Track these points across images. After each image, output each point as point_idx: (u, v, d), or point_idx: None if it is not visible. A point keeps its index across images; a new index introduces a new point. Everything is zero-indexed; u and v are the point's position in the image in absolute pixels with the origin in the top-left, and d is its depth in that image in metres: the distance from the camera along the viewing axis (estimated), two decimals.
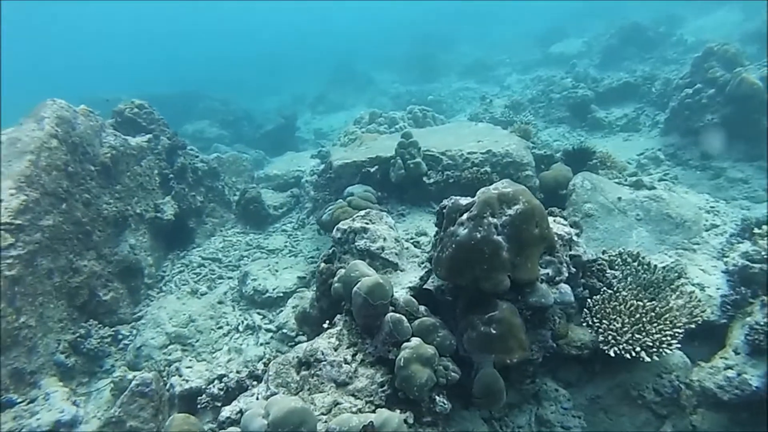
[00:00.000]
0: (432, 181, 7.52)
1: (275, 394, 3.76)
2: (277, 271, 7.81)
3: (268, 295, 7.17)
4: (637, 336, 3.68)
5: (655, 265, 4.55)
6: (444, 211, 4.18)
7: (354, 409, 3.58)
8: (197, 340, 6.50)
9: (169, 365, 5.90)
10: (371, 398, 3.70)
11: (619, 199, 5.98)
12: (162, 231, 8.64)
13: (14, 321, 5.36)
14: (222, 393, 4.51)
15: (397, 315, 3.83)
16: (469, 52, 26.90)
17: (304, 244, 9.03)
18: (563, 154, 8.04)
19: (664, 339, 3.63)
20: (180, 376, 5.39)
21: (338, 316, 4.32)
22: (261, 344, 6.40)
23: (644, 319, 3.76)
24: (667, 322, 3.72)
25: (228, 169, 12.13)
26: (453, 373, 3.77)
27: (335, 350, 3.92)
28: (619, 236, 5.66)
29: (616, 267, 4.59)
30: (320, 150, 13.92)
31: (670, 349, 3.64)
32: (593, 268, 4.51)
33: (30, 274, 5.63)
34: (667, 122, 10.45)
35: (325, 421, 3.41)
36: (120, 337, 6.67)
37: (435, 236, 4.65)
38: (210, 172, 10.40)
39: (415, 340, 3.77)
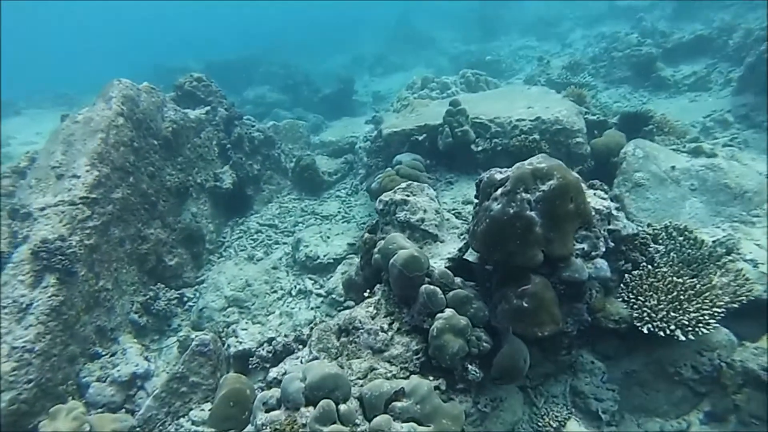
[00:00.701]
0: (480, 149, 7.46)
1: (317, 358, 4.05)
2: (328, 237, 8.11)
3: (319, 261, 7.50)
4: (673, 314, 3.62)
5: (702, 241, 4.37)
6: (480, 184, 4.21)
7: (389, 375, 3.81)
8: (253, 304, 6.97)
9: (227, 326, 6.40)
10: (406, 365, 3.90)
11: (673, 168, 5.71)
12: (221, 199, 9.14)
13: (95, 285, 5.97)
14: (270, 355, 4.88)
15: (432, 287, 3.96)
16: (533, 6, 25.56)
17: (357, 210, 9.25)
18: (618, 120, 7.68)
19: (701, 318, 3.56)
20: (236, 337, 5.86)
21: (378, 286, 4.51)
22: (312, 308, 6.77)
23: (682, 297, 3.68)
24: (707, 301, 3.63)
25: (285, 137, 12.50)
26: (485, 344, 3.89)
27: (372, 319, 4.13)
28: (670, 207, 5.44)
29: (660, 241, 4.47)
30: (374, 116, 13.98)
31: (707, 329, 3.56)
32: (636, 242, 4.42)
33: (105, 242, 6.22)
34: (741, 80, 9.64)
35: (361, 386, 3.65)
36: (185, 299, 7.26)
37: (474, 209, 4.70)
38: (266, 140, 10.76)
39: (449, 311, 3.91)
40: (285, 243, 8.59)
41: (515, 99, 8.29)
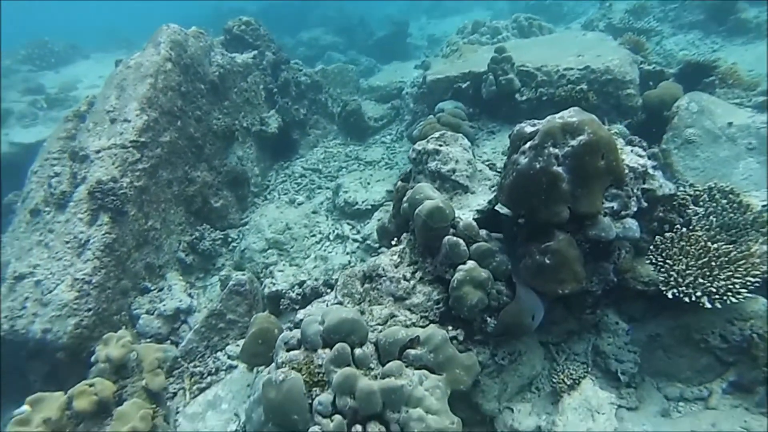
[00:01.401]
0: (524, 98, 7.19)
1: (341, 303, 4.23)
2: (369, 183, 8.20)
3: (357, 207, 7.64)
4: (701, 280, 3.49)
5: (748, 205, 4.11)
6: (511, 137, 4.12)
7: (408, 323, 3.93)
8: (292, 246, 7.26)
9: (266, 267, 6.73)
10: (426, 314, 4.01)
11: (730, 124, 5.30)
12: (267, 143, 9.36)
13: (144, 224, 6.39)
14: (299, 297, 5.13)
15: (455, 238, 3.98)
16: None
17: (401, 157, 9.23)
18: (679, 70, 7.14)
19: (731, 286, 3.41)
20: (272, 278, 6.17)
21: (405, 235, 4.59)
22: (347, 253, 6.98)
23: (714, 263, 3.52)
24: (741, 269, 3.46)
25: (333, 81, 12.46)
26: (506, 297, 3.92)
27: (396, 267, 4.23)
28: (721, 167, 5.10)
29: (702, 203, 4.24)
30: (424, 60, 13.64)
31: (737, 298, 3.41)
32: (674, 203, 4.23)
33: (154, 184, 6.58)
34: None
35: (380, 331, 3.80)
36: (229, 239, 7.64)
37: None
38: (313, 85, 10.78)
39: (470, 263, 3.94)
40: (327, 188, 8.76)
41: (567, 46, 7.83)
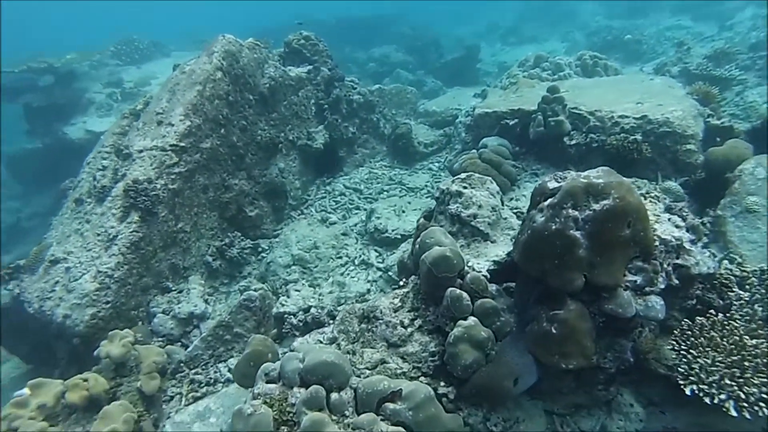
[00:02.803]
0: (573, 142, 6.80)
1: (336, 338, 4.07)
2: (404, 211, 8.02)
3: (386, 235, 7.47)
4: (728, 381, 3.03)
5: None
6: (534, 191, 3.83)
7: (398, 372, 3.71)
8: (315, 266, 7.18)
9: (286, 284, 6.69)
10: (419, 365, 3.77)
11: None
12: (311, 157, 9.41)
13: (174, 226, 6.53)
14: (301, 324, 5.02)
15: (458, 291, 3.74)
16: None
17: None
18: (752, 127, 6.50)
19: (766, 395, 2.92)
20: (287, 297, 6.10)
21: (413, 277, 4.37)
22: (369, 281, 6.81)
23: (747, 363, 3.05)
24: None
25: (390, 101, 12.43)
26: None
27: (395, 312, 4.03)
28: None
29: (749, 287, 3.74)
30: (483, 89, 13.36)
31: None
32: (715, 281, 3.77)
33: (188, 188, 6.73)
34: None
35: (367, 376, 3.60)
36: (259, 249, 7.69)
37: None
38: (365, 104, 10.77)
39: (472, 320, 3.67)
40: (365, 209, 8.66)
41: (629, 91, 7.35)
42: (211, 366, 5.37)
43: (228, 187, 7.42)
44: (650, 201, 3.96)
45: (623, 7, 22.50)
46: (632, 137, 6.08)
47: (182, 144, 6.57)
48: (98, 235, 6.09)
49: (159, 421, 4.78)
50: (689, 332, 3.34)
